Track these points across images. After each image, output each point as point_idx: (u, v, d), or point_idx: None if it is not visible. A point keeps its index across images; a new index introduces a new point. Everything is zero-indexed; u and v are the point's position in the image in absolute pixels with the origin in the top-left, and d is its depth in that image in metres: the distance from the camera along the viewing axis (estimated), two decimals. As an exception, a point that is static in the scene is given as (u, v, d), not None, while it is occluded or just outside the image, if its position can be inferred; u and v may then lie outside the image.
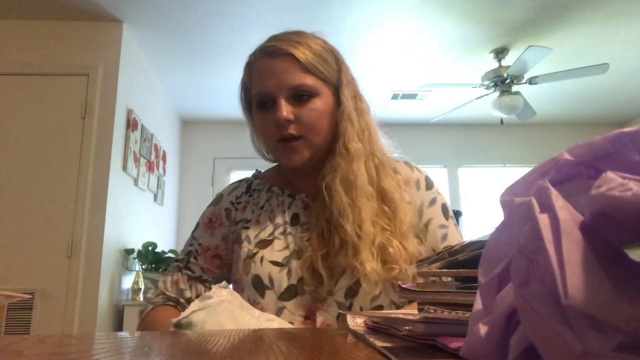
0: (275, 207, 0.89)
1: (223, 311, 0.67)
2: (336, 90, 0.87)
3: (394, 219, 0.82)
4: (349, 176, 0.82)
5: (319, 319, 0.78)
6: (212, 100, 4.27)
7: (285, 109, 0.81)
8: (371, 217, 0.80)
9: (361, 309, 0.79)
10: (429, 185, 0.91)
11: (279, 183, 0.94)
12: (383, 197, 0.84)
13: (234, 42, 3.31)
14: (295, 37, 0.86)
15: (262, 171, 1.01)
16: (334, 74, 0.87)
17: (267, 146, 0.90)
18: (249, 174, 1.03)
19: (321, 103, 0.84)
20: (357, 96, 0.90)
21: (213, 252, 0.91)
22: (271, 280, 0.81)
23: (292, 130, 0.82)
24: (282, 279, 0.81)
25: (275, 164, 1.01)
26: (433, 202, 0.89)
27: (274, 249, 0.83)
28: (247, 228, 0.89)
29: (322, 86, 0.84)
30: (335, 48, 0.90)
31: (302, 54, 0.83)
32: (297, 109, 0.82)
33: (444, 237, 0.86)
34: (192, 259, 0.90)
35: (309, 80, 0.83)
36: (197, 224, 0.95)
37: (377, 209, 0.82)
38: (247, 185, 0.97)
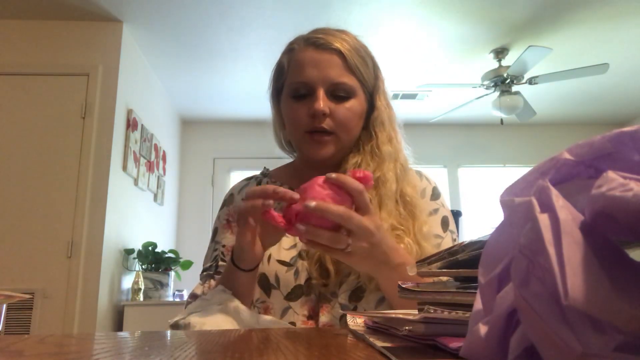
0: (284, 206, 0.89)
1: (221, 314, 0.67)
2: (370, 95, 0.89)
3: (411, 221, 0.82)
4: (375, 174, 0.83)
5: (322, 319, 0.78)
6: (212, 100, 4.27)
7: (323, 102, 0.81)
8: (388, 219, 0.80)
9: None
10: (435, 195, 0.92)
11: (289, 182, 0.93)
12: (403, 200, 0.84)
13: (234, 42, 3.31)
14: (343, 34, 0.87)
15: (270, 169, 1.01)
16: (371, 79, 0.88)
17: (292, 135, 0.89)
18: (249, 173, 1.02)
19: (356, 104, 0.85)
20: (388, 104, 0.92)
21: None
22: (277, 279, 0.81)
23: (325, 124, 0.82)
24: (289, 280, 0.80)
25: (287, 157, 1.01)
26: (434, 212, 0.89)
27: (281, 246, 0.83)
28: None
29: (358, 88, 0.85)
30: (373, 55, 0.91)
31: (349, 52, 0.84)
32: (333, 105, 0.83)
33: (437, 247, 0.85)
34: (220, 262, 0.88)
35: (350, 80, 0.84)
36: (215, 229, 0.94)
37: (395, 211, 0.82)
38: (257, 183, 0.96)
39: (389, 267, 0.68)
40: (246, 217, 0.67)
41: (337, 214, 0.60)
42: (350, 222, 0.61)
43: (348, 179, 0.62)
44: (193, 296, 0.86)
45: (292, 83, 0.85)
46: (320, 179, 0.62)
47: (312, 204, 0.59)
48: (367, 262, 0.67)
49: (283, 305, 0.80)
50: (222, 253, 0.89)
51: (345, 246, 0.62)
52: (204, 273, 0.89)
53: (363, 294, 0.79)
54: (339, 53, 0.83)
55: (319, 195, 0.61)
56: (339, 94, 0.83)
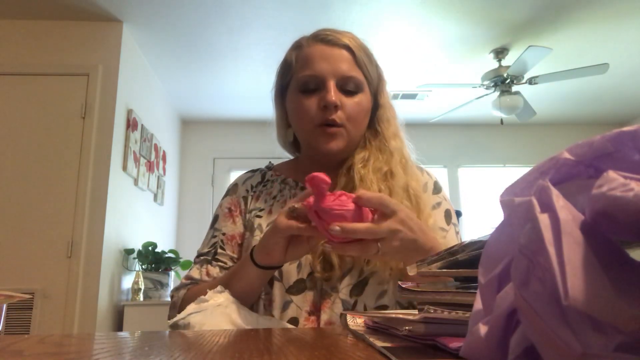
0: (287, 198, 0.90)
1: (220, 314, 0.67)
2: (374, 93, 0.90)
3: (417, 215, 0.82)
4: (383, 168, 0.85)
5: (324, 317, 0.78)
6: (212, 100, 4.27)
7: (335, 94, 0.82)
8: None
9: (365, 308, 0.79)
10: (437, 189, 0.93)
11: (293, 176, 0.94)
12: (408, 194, 0.85)
13: (234, 43, 3.31)
14: (349, 33, 0.89)
15: (274, 164, 1.01)
16: (375, 77, 0.90)
17: (301, 130, 0.89)
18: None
19: (364, 99, 0.87)
20: (391, 105, 0.94)
21: (238, 240, 0.90)
22: (280, 271, 0.81)
23: (336, 117, 0.83)
24: (291, 272, 0.81)
25: (288, 157, 1.01)
26: (437, 205, 0.90)
27: None
28: (260, 217, 0.89)
29: (365, 84, 0.87)
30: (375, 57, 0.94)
31: (357, 49, 0.86)
32: (343, 98, 0.84)
33: (442, 239, 0.86)
34: (219, 250, 0.89)
35: (359, 75, 0.85)
36: (216, 217, 0.94)
37: (404, 204, 0.83)
38: (261, 175, 0.97)
39: (419, 253, 0.66)
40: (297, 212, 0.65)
41: (363, 231, 0.60)
42: (377, 234, 0.61)
43: (372, 198, 0.62)
44: (189, 278, 0.87)
45: (301, 77, 0.85)
46: (331, 194, 0.62)
47: (337, 228, 0.60)
48: (399, 256, 0.67)
49: (284, 299, 0.80)
50: (222, 241, 0.90)
51: (376, 250, 0.62)
52: (201, 257, 0.90)
53: (364, 288, 0.79)
54: (348, 49, 0.85)
55: (339, 214, 0.61)
56: (348, 88, 0.84)
